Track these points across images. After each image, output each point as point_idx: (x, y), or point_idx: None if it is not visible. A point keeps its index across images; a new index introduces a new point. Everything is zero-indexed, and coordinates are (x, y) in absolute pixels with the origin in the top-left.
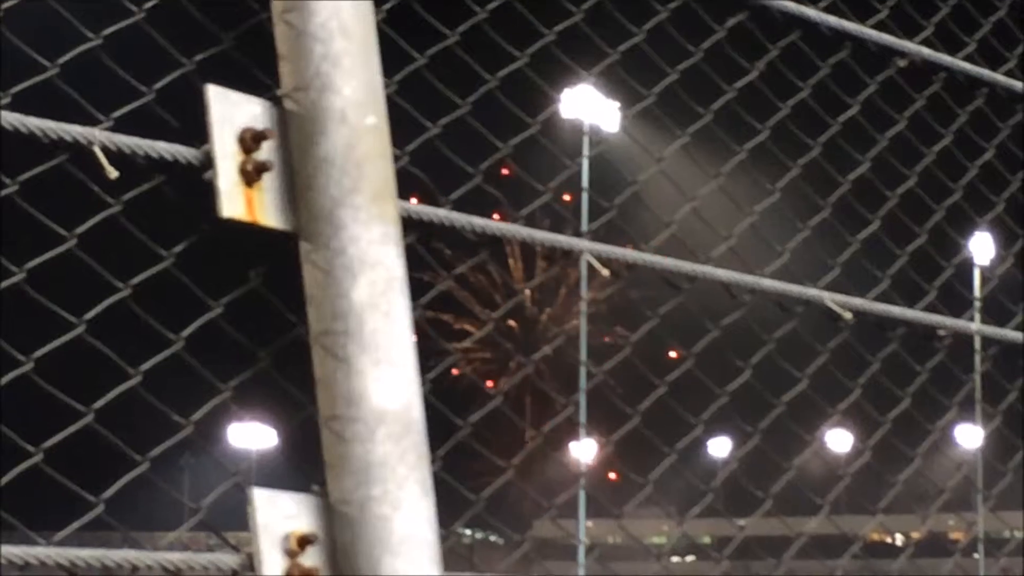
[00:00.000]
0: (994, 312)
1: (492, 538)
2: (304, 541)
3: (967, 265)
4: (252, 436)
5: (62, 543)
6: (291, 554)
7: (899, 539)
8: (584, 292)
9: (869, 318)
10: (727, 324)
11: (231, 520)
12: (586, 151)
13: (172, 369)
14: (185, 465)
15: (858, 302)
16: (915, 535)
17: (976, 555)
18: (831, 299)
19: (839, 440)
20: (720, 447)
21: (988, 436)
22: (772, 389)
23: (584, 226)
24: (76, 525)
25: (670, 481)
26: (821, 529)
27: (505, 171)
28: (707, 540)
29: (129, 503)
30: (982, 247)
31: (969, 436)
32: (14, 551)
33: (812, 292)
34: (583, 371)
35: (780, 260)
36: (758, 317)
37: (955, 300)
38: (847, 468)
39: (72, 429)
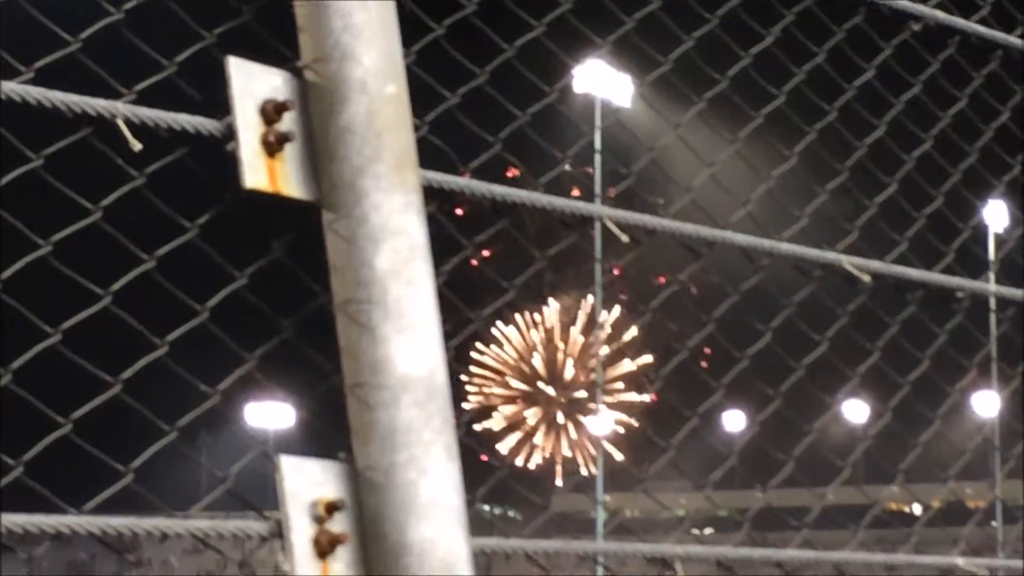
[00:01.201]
0: (1012, 276)
1: (511, 513)
2: (332, 507)
3: (983, 230)
4: (269, 415)
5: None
6: (319, 520)
7: (917, 509)
8: (598, 256)
9: (887, 280)
10: (747, 290)
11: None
12: (598, 120)
13: (194, 342)
14: (203, 445)
15: (876, 265)
16: (935, 504)
17: (994, 523)
18: (849, 262)
19: (856, 411)
20: (735, 421)
21: (1006, 403)
22: (792, 355)
23: (597, 190)
24: (106, 494)
25: (687, 456)
26: (839, 499)
27: (512, 172)
28: (725, 513)
29: (151, 482)
30: (996, 214)
31: (986, 404)
32: (46, 520)
33: (830, 255)
34: (599, 335)
35: (798, 224)
36: (778, 282)
37: (972, 264)
38: (866, 434)
39: (100, 400)
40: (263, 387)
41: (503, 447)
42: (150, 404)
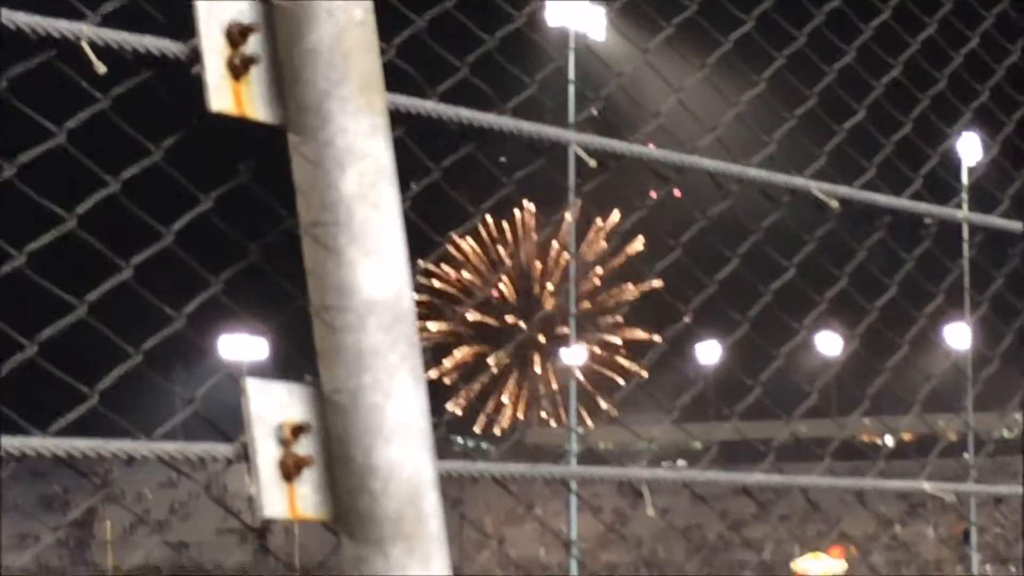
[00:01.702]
0: (984, 205)
1: (484, 446)
2: (298, 430)
3: (956, 161)
4: (243, 347)
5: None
6: (285, 443)
7: (891, 442)
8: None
9: (856, 207)
10: (717, 215)
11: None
12: (571, 48)
13: (165, 272)
14: (177, 378)
15: (845, 190)
16: (906, 437)
17: (965, 455)
18: (818, 188)
19: (830, 344)
20: (709, 352)
21: (977, 333)
22: (762, 282)
23: (571, 119)
24: (72, 416)
25: (661, 389)
26: (813, 432)
27: None
28: (699, 445)
29: (126, 413)
30: (970, 146)
31: (959, 336)
32: (12, 442)
33: (799, 181)
34: (572, 265)
35: (767, 150)
36: (750, 211)
37: (942, 193)
38: (837, 364)
39: (66, 322)
40: (235, 317)
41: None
42: (122, 334)
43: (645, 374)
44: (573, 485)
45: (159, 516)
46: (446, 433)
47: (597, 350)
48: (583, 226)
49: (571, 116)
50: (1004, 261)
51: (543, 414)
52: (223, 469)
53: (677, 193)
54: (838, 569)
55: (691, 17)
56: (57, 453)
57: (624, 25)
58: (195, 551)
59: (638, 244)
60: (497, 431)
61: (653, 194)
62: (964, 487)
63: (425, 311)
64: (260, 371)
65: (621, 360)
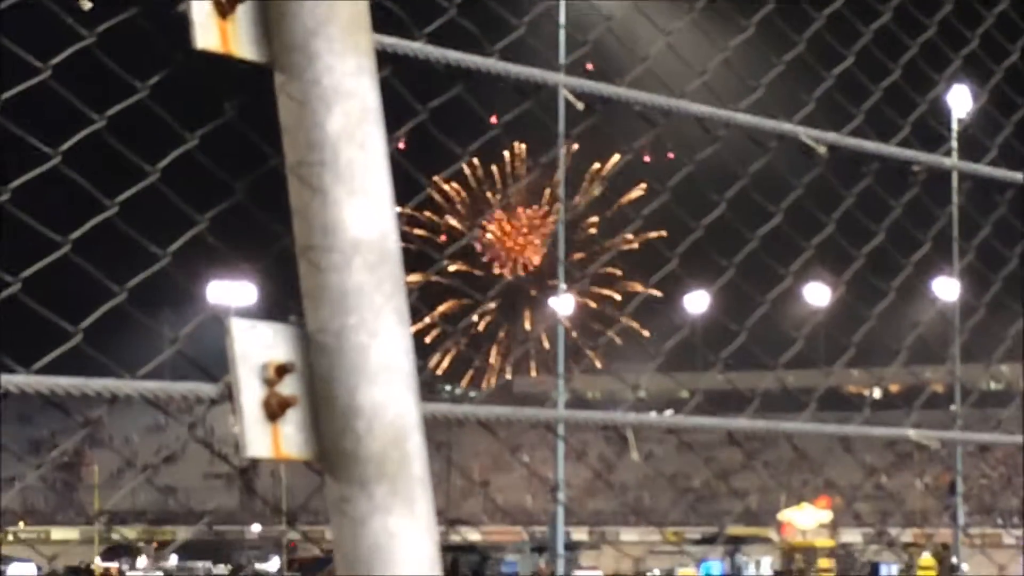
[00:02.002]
0: (972, 154)
1: (472, 395)
2: (282, 370)
3: (946, 111)
4: (231, 292)
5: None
6: (269, 383)
7: (878, 394)
8: (561, 130)
9: (844, 152)
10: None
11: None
12: None
13: (151, 210)
14: (165, 320)
15: (833, 136)
16: (894, 388)
17: (952, 407)
18: (806, 133)
19: (818, 293)
20: (698, 302)
21: (965, 283)
22: (752, 229)
23: (561, 60)
24: (55, 354)
25: (648, 336)
26: (801, 382)
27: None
28: (686, 394)
29: (112, 351)
30: (960, 97)
31: (946, 288)
32: None
33: (786, 126)
34: (562, 209)
35: (755, 95)
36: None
37: (933, 145)
38: (824, 313)
39: (50, 259)
40: (223, 262)
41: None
42: (109, 275)
43: (633, 324)
44: (560, 429)
45: (146, 460)
46: (432, 381)
47: (591, 303)
48: (574, 177)
49: (561, 58)
50: (993, 210)
51: (532, 373)
52: (207, 410)
53: (670, 156)
54: (824, 519)
55: None
56: (40, 390)
57: None
58: (182, 495)
59: (634, 192)
60: (484, 387)
61: (647, 158)
62: (949, 434)
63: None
64: (248, 316)
65: (610, 311)
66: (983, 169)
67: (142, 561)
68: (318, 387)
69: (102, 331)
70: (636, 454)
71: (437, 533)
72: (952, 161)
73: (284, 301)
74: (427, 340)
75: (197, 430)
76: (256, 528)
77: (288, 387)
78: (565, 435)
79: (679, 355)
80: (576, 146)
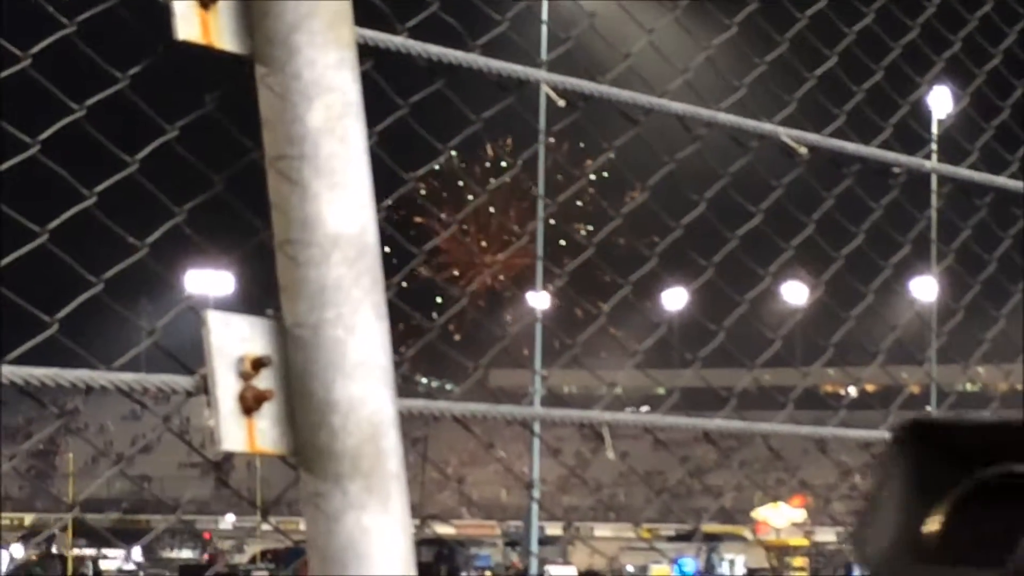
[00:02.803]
0: (953, 158)
1: (448, 386)
2: (258, 363)
3: (927, 113)
4: (209, 282)
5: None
6: (245, 376)
7: (854, 392)
8: (542, 125)
9: (824, 154)
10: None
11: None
12: None
13: (130, 201)
14: (143, 311)
15: (813, 137)
16: (870, 388)
17: (928, 407)
18: (786, 134)
19: (796, 293)
20: (675, 299)
21: (943, 285)
22: (732, 229)
23: (543, 57)
24: (30, 344)
25: (625, 333)
26: (778, 380)
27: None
28: (663, 391)
29: (90, 342)
30: (941, 99)
31: (925, 289)
32: None
33: (767, 127)
34: (540, 205)
35: (737, 95)
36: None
37: (916, 147)
38: (802, 313)
39: (26, 248)
40: (202, 252)
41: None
42: (87, 267)
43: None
44: (536, 427)
45: (121, 449)
46: (409, 373)
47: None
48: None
49: (543, 55)
50: (972, 213)
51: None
52: (184, 402)
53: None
54: (798, 518)
55: None
56: (15, 380)
57: None
58: (156, 485)
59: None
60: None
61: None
62: None
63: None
64: (226, 305)
65: (587, 308)
66: (962, 172)
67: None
68: (294, 382)
69: (79, 321)
70: (611, 452)
71: (411, 529)
72: (932, 164)
73: (262, 291)
74: (401, 326)
75: (172, 422)
76: (231, 518)
77: (264, 381)
78: (540, 432)
79: (657, 351)
80: (552, 141)
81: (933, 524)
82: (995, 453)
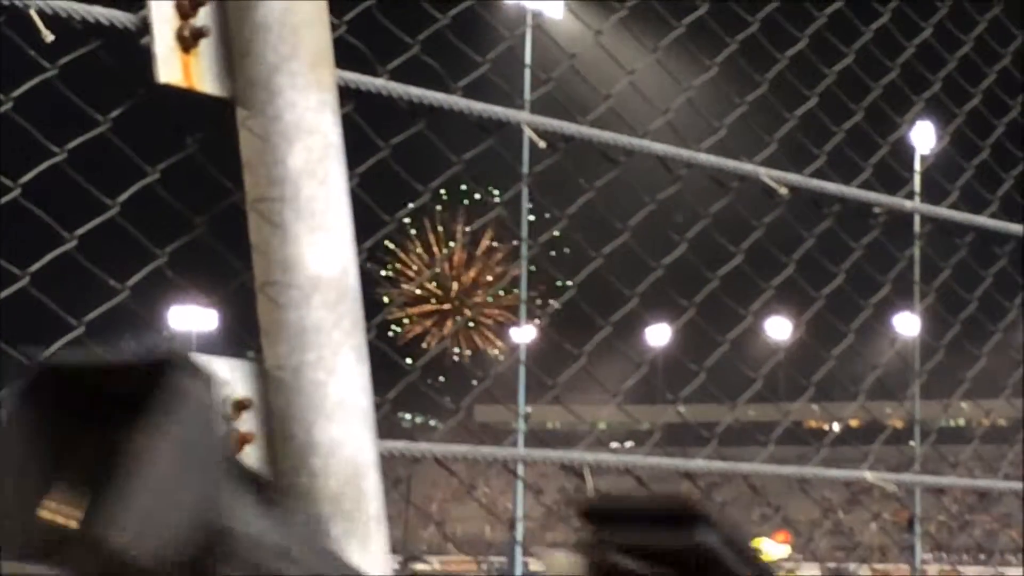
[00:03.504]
0: (932, 195)
1: (432, 422)
2: (240, 406)
3: (910, 151)
4: (192, 319)
5: None
6: (226, 419)
7: (836, 427)
8: (525, 167)
9: (805, 194)
10: (664, 199)
11: None
12: (530, 21)
13: (110, 242)
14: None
15: (794, 178)
16: (853, 424)
17: (912, 443)
18: (767, 174)
19: (779, 329)
20: (659, 335)
21: (925, 324)
22: (710, 268)
23: (527, 98)
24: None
25: (610, 372)
26: (761, 417)
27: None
28: (647, 427)
29: None
30: (924, 136)
31: (907, 324)
32: None
33: (748, 167)
34: (524, 247)
35: (717, 135)
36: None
37: (894, 183)
38: (784, 351)
39: (8, 292)
40: (182, 289)
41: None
42: (69, 308)
43: (588, 369)
44: (520, 469)
45: None
46: (391, 411)
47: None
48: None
49: (527, 95)
50: (954, 252)
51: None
52: None
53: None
54: (782, 554)
55: (647, 2)
56: None
57: (582, 7)
58: None
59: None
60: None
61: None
62: (907, 477)
63: None
64: (209, 342)
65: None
66: (943, 212)
67: None
68: (275, 424)
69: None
70: (592, 491)
71: (392, 571)
72: (913, 204)
73: (245, 329)
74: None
75: None
76: None
77: (245, 424)
78: (525, 468)
79: (643, 387)
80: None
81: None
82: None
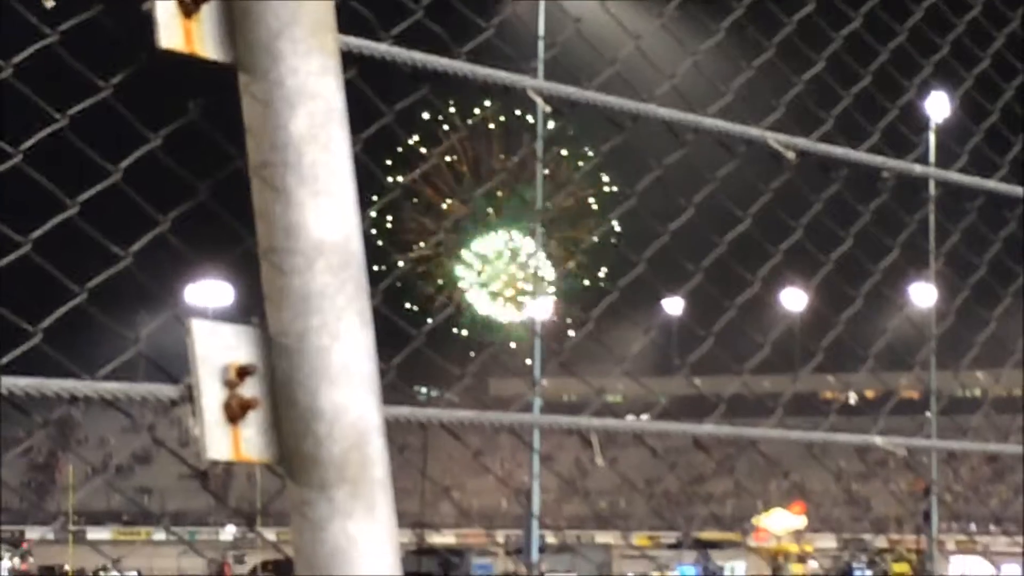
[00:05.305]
0: (941, 160)
1: (447, 396)
2: (243, 372)
3: (922, 117)
4: (208, 293)
5: None
6: (230, 385)
7: (852, 398)
8: (540, 140)
9: (812, 158)
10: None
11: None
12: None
13: (119, 212)
14: (140, 323)
15: (801, 142)
16: (869, 394)
17: (928, 413)
18: (774, 139)
19: (794, 300)
20: (674, 306)
21: (941, 293)
22: (719, 236)
23: (540, 72)
24: (15, 354)
25: (626, 342)
26: (775, 387)
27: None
28: (663, 399)
29: (86, 360)
30: (938, 104)
31: (923, 294)
32: None
33: (755, 132)
34: (539, 216)
35: (724, 100)
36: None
37: (903, 149)
38: (802, 325)
39: (10, 258)
40: (199, 263)
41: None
42: (75, 278)
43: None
44: (536, 437)
45: (121, 461)
46: (407, 382)
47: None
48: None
49: (540, 70)
50: (964, 216)
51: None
52: (168, 411)
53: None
54: (798, 524)
55: None
56: None
57: None
58: (157, 496)
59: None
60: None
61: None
62: (916, 442)
63: None
64: (225, 316)
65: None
66: (952, 176)
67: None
68: (279, 390)
69: (74, 332)
70: (600, 459)
71: (398, 537)
72: (922, 168)
73: (259, 301)
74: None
75: (172, 431)
76: (231, 529)
77: (249, 389)
78: (540, 439)
79: (656, 359)
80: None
81: None
82: None
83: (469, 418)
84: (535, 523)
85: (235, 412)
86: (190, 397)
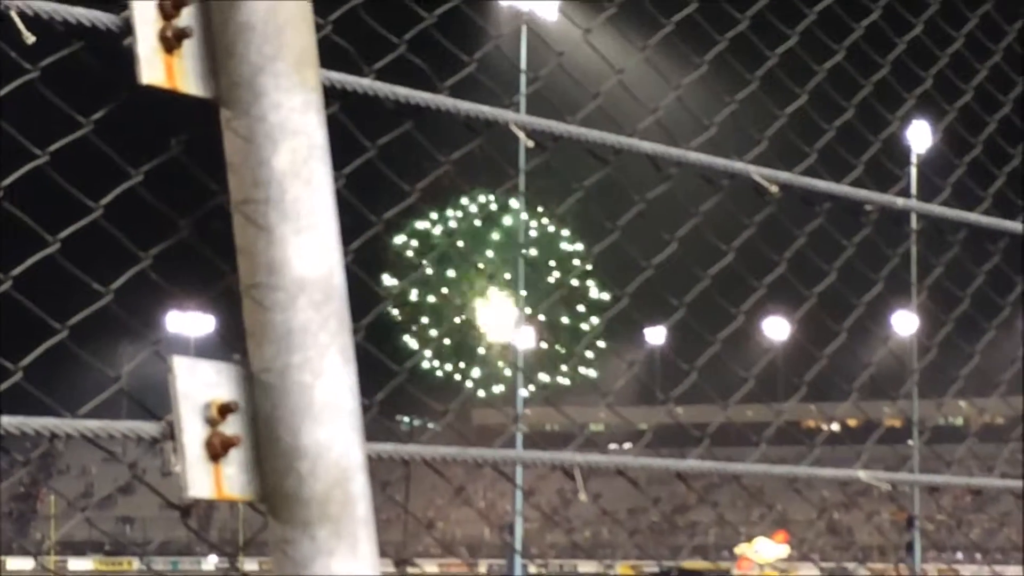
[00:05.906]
0: (924, 192)
1: (430, 425)
2: (225, 409)
3: (905, 149)
4: (190, 323)
5: None
6: (212, 422)
7: (835, 427)
8: (522, 166)
9: (795, 191)
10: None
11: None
12: (524, 28)
13: (101, 247)
14: (123, 354)
15: (784, 175)
16: (851, 423)
17: (910, 442)
18: (757, 172)
19: (776, 328)
20: (656, 335)
21: (923, 325)
22: (703, 268)
23: (522, 105)
24: None
25: (611, 374)
26: (758, 416)
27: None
28: (644, 427)
29: (67, 397)
30: (920, 134)
31: (905, 323)
32: None
33: (738, 165)
34: (521, 250)
35: (707, 134)
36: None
37: (887, 182)
38: (785, 355)
39: None
40: (174, 294)
41: None
42: (56, 314)
43: (586, 371)
44: (518, 472)
45: (103, 491)
46: (390, 412)
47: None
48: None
49: (522, 103)
50: (947, 249)
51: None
52: (149, 448)
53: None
54: (781, 553)
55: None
56: None
57: (575, 8)
58: (139, 526)
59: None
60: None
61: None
62: (899, 477)
63: None
64: (207, 346)
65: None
66: (934, 209)
67: None
68: (261, 427)
69: (56, 366)
70: (584, 495)
71: (380, 573)
72: (904, 201)
73: (241, 332)
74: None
75: (155, 459)
76: (213, 559)
77: (231, 427)
78: (523, 470)
79: (638, 389)
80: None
81: None
82: None
83: (452, 455)
84: (518, 559)
85: (217, 450)
86: (171, 435)
